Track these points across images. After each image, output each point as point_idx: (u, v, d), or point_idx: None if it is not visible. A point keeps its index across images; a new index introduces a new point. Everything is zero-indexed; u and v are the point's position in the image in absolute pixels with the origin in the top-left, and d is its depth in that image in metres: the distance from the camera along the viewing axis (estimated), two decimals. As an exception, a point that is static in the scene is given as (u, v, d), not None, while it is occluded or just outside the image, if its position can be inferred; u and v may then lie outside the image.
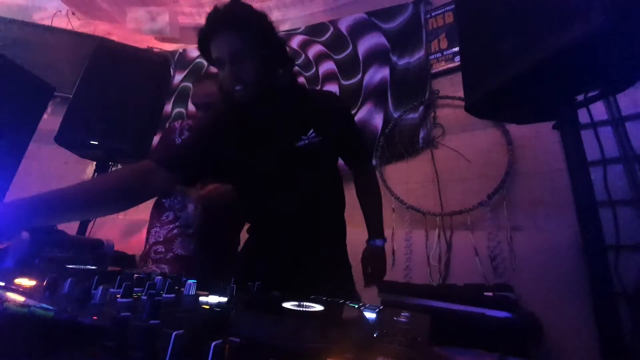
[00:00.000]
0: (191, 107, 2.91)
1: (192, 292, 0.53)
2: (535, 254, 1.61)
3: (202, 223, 1.41)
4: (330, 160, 1.05)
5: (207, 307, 0.45)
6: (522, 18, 0.87)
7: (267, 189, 0.98)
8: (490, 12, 1.00)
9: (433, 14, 2.31)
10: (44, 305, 0.37)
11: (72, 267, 0.81)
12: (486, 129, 1.94)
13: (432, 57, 2.24)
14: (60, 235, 0.96)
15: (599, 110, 1.56)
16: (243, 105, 0.89)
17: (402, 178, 2.10)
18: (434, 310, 1.29)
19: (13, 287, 0.46)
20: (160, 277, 0.58)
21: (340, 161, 1.11)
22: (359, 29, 2.51)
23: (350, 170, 1.17)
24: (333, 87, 2.48)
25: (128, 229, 2.64)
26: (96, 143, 1.62)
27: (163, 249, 1.41)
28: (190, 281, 0.55)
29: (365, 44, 2.46)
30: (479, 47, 1.04)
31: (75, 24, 3.23)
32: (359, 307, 0.47)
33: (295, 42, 2.72)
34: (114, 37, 3.09)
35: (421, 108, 2.15)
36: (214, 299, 0.48)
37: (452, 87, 2.11)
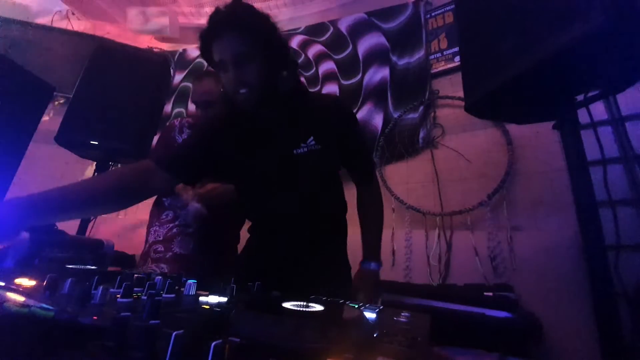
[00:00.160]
0: (191, 106, 2.91)
1: (192, 292, 0.53)
2: (535, 254, 1.61)
3: (202, 222, 1.41)
4: (330, 168, 1.01)
5: (207, 307, 0.45)
6: (522, 18, 0.87)
7: (267, 190, 0.98)
8: (490, 12, 1.00)
9: (433, 14, 2.31)
10: (44, 305, 0.37)
11: (72, 267, 0.81)
12: (486, 129, 1.94)
13: (432, 57, 2.24)
14: (60, 235, 0.96)
15: (599, 110, 1.56)
16: (246, 108, 0.88)
17: (402, 178, 2.10)
18: (434, 310, 1.29)
19: (13, 287, 0.46)
20: (160, 277, 0.58)
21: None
22: (359, 29, 2.51)
23: (352, 180, 1.10)
24: (333, 87, 2.48)
25: (128, 228, 2.64)
26: (96, 143, 1.62)
27: (162, 248, 1.41)
28: (190, 281, 0.55)
29: (365, 44, 2.46)
30: (479, 47, 1.04)
31: (75, 24, 3.23)
32: (359, 307, 0.47)
33: (295, 42, 2.72)
34: (114, 37, 3.09)
35: (421, 108, 2.15)
36: (214, 299, 0.48)
37: (452, 87, 2.11)
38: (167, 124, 1.76)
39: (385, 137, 2.19)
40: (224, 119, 0.99)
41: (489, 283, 1.62)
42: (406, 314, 0.45)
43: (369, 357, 0.29)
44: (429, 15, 2.32)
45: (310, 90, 1.10)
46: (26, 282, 0.50)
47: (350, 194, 1.13)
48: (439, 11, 2.30)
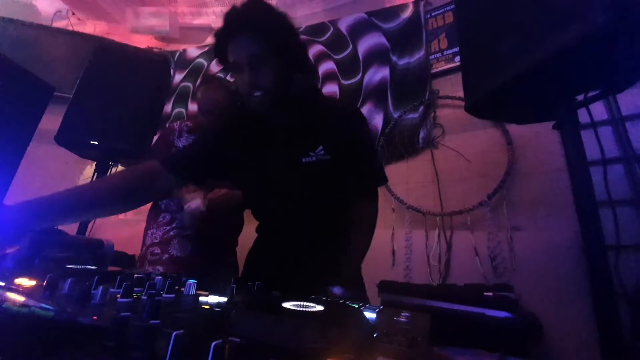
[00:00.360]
0: (191, 107, 2.92)
1: (192, 292, 0.53)
2: (535, 254, 1.61)
3: (200, 225, 1.41)
4: (338, 179, 0.92)
5: (207, 307, 0.45)
6: (522, 18, 0.87)
7: (271, 194, 0.97)
8: (490, 12, 1.00)
9: (433, 14, 2.31)
10: (44, 305, 0.37)
11: (72, 267, 0.81)
12: (486, 129, 1.94)
13: (432, 57, 2.24)
14: (60, 235, 0.96)
15: (599, 110, 1.56)
16: (258, 111, 0.86)
17: (402, 178, 2.10)
18: (434, 310, 1.29)
19: (13, 287, 0.46)
20: (160, 277, 0.58)
21: None
22: (359, 29, 2.51)
23: (350, 194, 0.95)
24: (333, 87, 2.48)
25: (128, 228, 2.64)
26: (96, 143, 1.62)
27: (159, 251, 1.41)
28: (190, 281, 0.55)
29: (365, 44, 2.46)
30: (479, 47, 1.04)
31: (75, 24, 3.23)
32: (359, 307, 0.47)
33: (295, 42, 2.72)
34: (114, 37, 3.09)
35: (421, 108, 2.15)
36: (214, 299, 0.48)
37: (452, 87, 2.11)
38: (167, 125, 1.76)
39: (385, 137, 2.19)
40: (232, 121, 0.97)
41: (489, 283, 1.62)
42: (406, 314, 0.45)
43: (369, 357, 0.29)
44: (429, 15, 2.32)
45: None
46: (26, 282, 0.50)
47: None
48: (439, 11, 2.30)
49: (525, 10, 0.87)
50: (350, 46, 2.52)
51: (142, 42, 3.13)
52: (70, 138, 1.63)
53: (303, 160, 0.88)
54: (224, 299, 0.48)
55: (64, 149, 1.69)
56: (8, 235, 0.66)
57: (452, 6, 2.20)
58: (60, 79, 2.07)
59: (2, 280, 0.48)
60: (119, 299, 0.45)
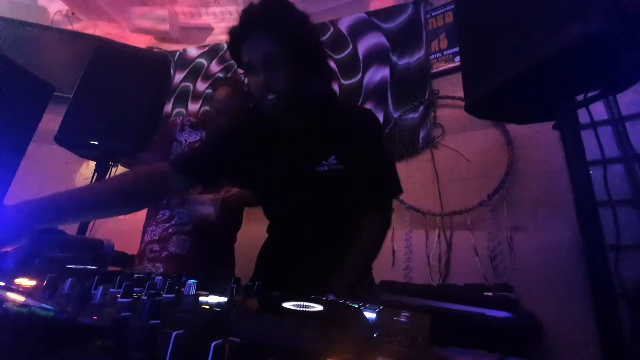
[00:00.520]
0: (191, 107, 2.92)
1: (192, 292, 0.53)
2: (535, 254, 1.61)
3: (201, 223, 1.41)
4: (350, 190, 0.90)
5: (207, 307, 0.45)
6: (522, 18, 0.87)
7: (284, 199, 0.96)
8: (490, 12, 1.00)
9: (433, 14, 2.31)
10: (44, 305, 0.37)
11: (72, 267, 0.81)
12: (486, 129, 1.94)
13: (432, 57, 2.24)
14: (60, 235, 0.96)
15: (599, 110, 1.56)
16: (271, 114, 0.84)
17: (402, 178, 2.05)
18: (434, 310, 1.29)
19: (13, 287, 0.46)
20: (160, 277, 0.58)
21: None
22: (359, 29, 2.51)
23: (362, 202, 0.92)
24: (333, 87, 2.48)
25: (128, 228, 2.64)
26: (96, 143, 1.62)
27: (158, 248, 1.41)
28: (190, 281, 0.55)
29: (365, 44, 2.46)
30: (479, 47, 1.04)
31: (75, 24, 3.23)
32: (359, 307, 0.47)
33: (295, 42, 2.72)
34: (114, 37, 3.09)
35: (421, 108, 2.15)
36: (214, 299, 0.48)
37: (452, 87, 2.11)
38: (169, 120, 1.76)
39: (385, 137, 2.19)
40: (244, 123, 0.96)
41: (489, 283, 1.62)
42: (406, 314, 0.45)
43: (369, 357, 0.29)
44: (429, 15, 2.31)
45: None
46: (26, 282, 0.49)
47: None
48: (439, 11, 2.29)
49: (525, 10, 0.87)
50: (350, 46, 2.52)
51: (142, 42, 3.13)
52: (70, 138, 1.63)
53: (315, 168, 0.87)
54: (224, 299, 0.48)
55: (64, 149, 1.69)
56: (8, 235, 0.66)
57: (452, 6, 2.19)
58: (60, 79, 2.07)
59: (2, 280, 0.48)
60: (119, 299, 0.45)
